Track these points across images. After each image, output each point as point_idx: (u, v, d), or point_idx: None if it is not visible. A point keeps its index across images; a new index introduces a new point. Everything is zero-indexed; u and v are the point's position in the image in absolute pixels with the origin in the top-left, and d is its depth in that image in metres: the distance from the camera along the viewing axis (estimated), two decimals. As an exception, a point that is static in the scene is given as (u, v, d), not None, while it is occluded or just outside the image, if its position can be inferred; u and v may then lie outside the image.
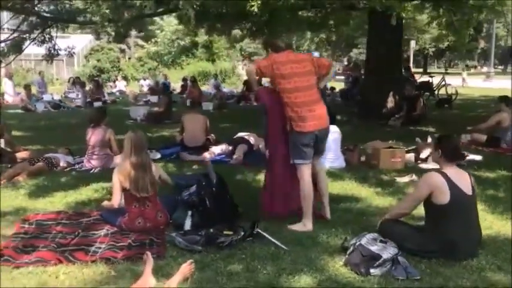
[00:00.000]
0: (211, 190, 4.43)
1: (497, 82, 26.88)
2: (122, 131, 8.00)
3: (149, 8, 8.94)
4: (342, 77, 20.42)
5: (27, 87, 16.10)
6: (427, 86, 17.15)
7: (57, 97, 17.00)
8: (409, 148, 7.30)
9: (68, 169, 6.66)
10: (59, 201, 5.16)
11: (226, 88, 21.46)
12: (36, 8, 10.96)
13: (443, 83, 17.83)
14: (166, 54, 33.85)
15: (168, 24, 33.50)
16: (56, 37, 11.55)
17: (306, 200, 4.32)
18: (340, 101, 16.03)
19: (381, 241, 3.55)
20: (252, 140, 7.57)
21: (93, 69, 28.68)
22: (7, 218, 4.60)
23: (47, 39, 11.34)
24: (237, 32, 15.49)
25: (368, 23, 12.63)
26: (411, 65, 27.90)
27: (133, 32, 32.43)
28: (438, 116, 12.66)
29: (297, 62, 4.32)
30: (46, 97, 16.58)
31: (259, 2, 6.64)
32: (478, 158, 7.14)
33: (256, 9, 6.71)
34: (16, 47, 11.07)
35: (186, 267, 3.28)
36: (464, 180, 3.68)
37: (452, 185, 3.58)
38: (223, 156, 7.45)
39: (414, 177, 6.00)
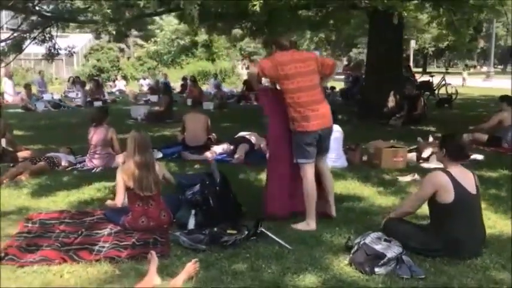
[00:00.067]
0: (215, 189, 4.43)
1: (496, 82, 26.90)
2: (122, 130, 8.05)
3: (153, 7, 8.93)
4: (342, 77, 20.40)
5: (27, 86, 16.09)
6: (427, 85, 17.17)
7: (57, 96, 16.99)
8: (411, 147, 7.31)
9: (69, 168, 6.66)
10: (61, 201, 5.16)
11: (226, 88, 21.46)
12: (37, 8, 10.93)
13: (444, 82, 17.85)
14: (166, 53, 33.86)
15: (167, 24, 33.49)
16: (57, 36, 11.54)
17: (309, 199, 4.32)
18: (340, 101, 16.04)
19: (385, 240, 3.56)
20: (253, 139, 7.58)
21: (93, 68, 28.68)
22: (10, 217, 4.60)
23: (47, 38, 11.31)
24: (237, 31, 15.49)
25: (369, 23, 12.63)
26: (411, 64, 27.90)
27: (133, 32, 32.38)
28: (438, 116, 12.68)
29: (301, 61, 4.30)
30: (46, 96, 16.59)
31: (261, 1, 6.63)
32: (480, 157, 7.15)
33: (258, 9, 6.70)
34: (16, 46, 11.03)
35: (190, 266, 3.28)
36: (468, 180, 3.68)
37: (456, 184, 3.59)
38: (225, 155, 7.45)
39: (416, 176, 6.02)
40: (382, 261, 3.39)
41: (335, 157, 6.57)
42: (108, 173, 6.11)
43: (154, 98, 16.32)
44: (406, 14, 8.69)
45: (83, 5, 11.67)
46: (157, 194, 4.35)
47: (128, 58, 35.26)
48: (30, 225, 4.37)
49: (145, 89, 21.42)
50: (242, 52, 36.47)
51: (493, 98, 15.22)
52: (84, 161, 6.88)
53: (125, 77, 26.92)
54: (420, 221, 4.22)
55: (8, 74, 17.46)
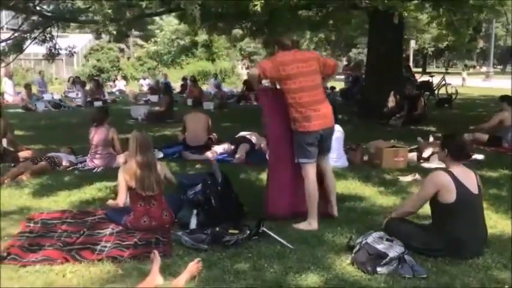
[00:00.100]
0: (217, 189, 4.43)
1: (496, 82, 26.94)
2: (123, 130, 8.05)
3: (155, 7, 8.94)
4: (342, 77, 20.40)
5: (27, 86, 16.09)
6: (427, 85, 17.18)
7: (57, 96, 17.00)
8: (411, 147, 7.32)
9: (70, 168, 6.66)
10: (63, 200, 5.17)
11: (226, 88, 21.47)
12: (37, 8, 10.93)
13: (443, 82, 17.87)
14: (166, 53, 33.86)
15: (167, 24, 33.50)
16: (57, 36, 11.54)
17: (311, 199, 4.32)
18: (340, 100, 16.03)
19: (387, 240, 3.56)
20: (254, 139, 7.59)
21: (93, 68, 28.69)
22: (12, 217, 4.61)
23: (47, 38, 11.32)
24: (237, 31, 15.49)
25: (369, 23, 12.64)
26: (411, 64, 27.93)
27: (133, 32, 32.40)
28: (438, 116, 12.69)
29: (303, 61, 4.29)
30: (46, 96, 16.60)
31: (262, 1, 6.64)
32: (480, 157, 7.16)
33: (259, 9, 6.70)
34: (17, 46, 11.03)
35: (193, 266, 3.29)
36: (470, 179, 3.69)
37: (458, 184, 3.59)
38: (226, 155, 7.46)
39: (417, 176, 6.02)
40: (384, 261, 3.39)
41: (336, 157, 6.57)
42: (109, 173, 6.12)
43: (154, 98, 16.32)
44: (406, 14, 8.68)
45: (84, 5, 11.67)
46: (159, 194, 4.36)
47: (128, 58, 35.27)
48: (32, 225, 4.38)
49: (145, 89, 21.42)
50: (242, 52, 36.46)
51: (492, 98, 15.24)
52: (85, 161, 6.88)
53: (124, 77, 26.93)
54: (422, 221, 4.23)
55: (8, 74, 17.46)
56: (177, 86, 21.32)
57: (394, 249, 3.45)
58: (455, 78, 22.17)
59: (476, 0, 9.69)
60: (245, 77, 19.89)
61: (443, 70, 36.19)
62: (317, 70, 4.34)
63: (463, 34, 10.80)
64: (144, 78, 24.56)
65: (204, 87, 20.94)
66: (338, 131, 6.40)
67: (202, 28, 12.59)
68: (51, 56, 11.64)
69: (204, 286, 3.23)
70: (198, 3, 6.75)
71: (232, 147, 7.55)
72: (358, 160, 6.93)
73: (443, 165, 3.93)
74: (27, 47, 11.17)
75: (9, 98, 16.71)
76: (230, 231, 3.93)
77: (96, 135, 6.71)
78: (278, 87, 4.51)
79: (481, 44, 38.68)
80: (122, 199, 4.40)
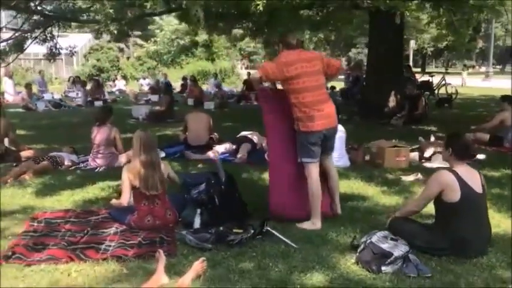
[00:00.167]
0: (220, 188, 4.44)
1: (496, 82, 26.97)
2: (124, 130, 8.06)
3: (159, 7, 8.94)
4: (342, 77, 20.41)
5: (28, 86, 16.09)
6: (427, 85, 17.21)
7: (57, 96, 17.01)
8: (413, 147, 7.33)
9: (72, 168, 6.66)
10: (66, 200, 5.17)
11: (226, 87, 21.48)
12: (38, 7, 10.93)
13: (444, 82, 17.90)
14: (166, 53, 33.88)
15: (167, 24, 33.51)
16: (58, 36, 11.54)
17: (314, 199, 4.32)
18: (341, 100, 16.02)
19: (392, 239, 3.57)
20: (255, 138, 7.59)
21: (93, 68, 28.71)
22: (15, 216, 4.61)
23: (48, 38, 11.32)
24: (237, 31, 15.51)
25: (369, 23, 12.63)
26: (410, 64, 27.97)
27: (134, 32, 32.41)
28: (439, 116, 12.71)
29: (307, 60, 4.29)
30: (47, 96, 16.61)
31: (264, 1, 6.64)
32: (482, 157, 7.17)
33: (261, 9, 6.71)
34: (17, 46, 11.04)
35: (198, 265, 3.28)
36: (474, 179, 3.70)
37: (462, 183, 3.60)
38: (227, 155, 7.47)
39: (419, 176, 6.03)
40: (388, 260, 3.40)
41: (338, 156, 6.56)
42: (111, 173, 6.12)
43: (155, 98, 16.33)
44: (408, 14, 8.69)
45: (85, 5, 11.67)
46: (163, 193, 4.36)
47: (128, 58, 35.28)
48: (35, 224, 4.38)
49: (145, 88, 21.44)
50: (242, 52, 36.49)
51: (492, 98, 15.28)
52: (87, 161, 6.88)
53: (124, 77, 26.95)
54: (425, 220, 4.24)
55: (8, 73, 17.46)
56: (177, 85, 21.34)
57: (399, 249, 3.45)
58: (455, 78, 22.19)
59: (476, 0, 9.70)
60: (245, 77, 19.91)
61: (442, 70, 36.23)
62: (320, 70, 4.34)
63: (463, 34, 10.83)
64: (144, 78, 24.59)
65: (204, 87, 20.93)
66: (340, 131, 6.38)
67: (202, 28, 12.59)
68: (52, 55, 11.65)
69: (209, 285, 3.23)
70: (201, 3, 6.75)
71: (234, 146, 7.56)
72: (360, 160, 6.93)
73: (444, 165, 3.94)
74: (27, 46, 11.18)
75: (9, 97, 16.71)
76: (234, 230, 3.93)
77: (99, 135, 6.71)
78: (279, 87, 4.51)
79: (480, 44, 38.74)
80: (126, 198, 4.40)
